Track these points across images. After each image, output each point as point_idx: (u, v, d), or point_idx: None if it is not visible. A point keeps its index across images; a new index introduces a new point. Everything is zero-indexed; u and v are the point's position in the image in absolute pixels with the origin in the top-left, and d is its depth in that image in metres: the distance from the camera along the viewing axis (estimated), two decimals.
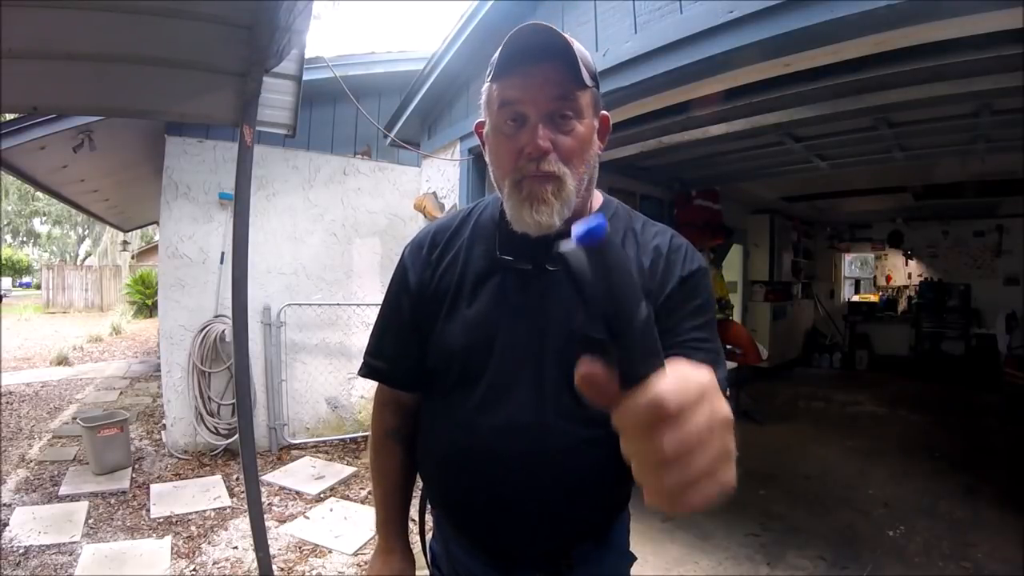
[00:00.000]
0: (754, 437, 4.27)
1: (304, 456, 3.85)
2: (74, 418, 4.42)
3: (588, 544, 0.83)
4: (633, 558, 0.92)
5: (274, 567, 2.24)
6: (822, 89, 2.18)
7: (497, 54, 0.71)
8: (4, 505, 2.93)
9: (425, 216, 3.53)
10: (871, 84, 2.16)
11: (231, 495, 3.14)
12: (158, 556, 2.48)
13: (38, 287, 19.82)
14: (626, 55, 2.01)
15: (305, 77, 1.96)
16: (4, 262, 24.14)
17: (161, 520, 2.83)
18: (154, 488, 3.20)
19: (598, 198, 0.85)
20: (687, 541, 2.68)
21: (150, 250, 16.80)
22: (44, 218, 24.59)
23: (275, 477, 3.45)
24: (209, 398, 3.71)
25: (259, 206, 3.76)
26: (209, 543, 2.64)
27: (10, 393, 5.48)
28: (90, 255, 23.09)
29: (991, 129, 3.13)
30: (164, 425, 3.93)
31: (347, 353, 4.20)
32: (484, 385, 0.78)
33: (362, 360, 0.92)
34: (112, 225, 10.18)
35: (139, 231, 14.57)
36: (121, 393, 5.65)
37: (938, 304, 7.28)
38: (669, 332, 0.72)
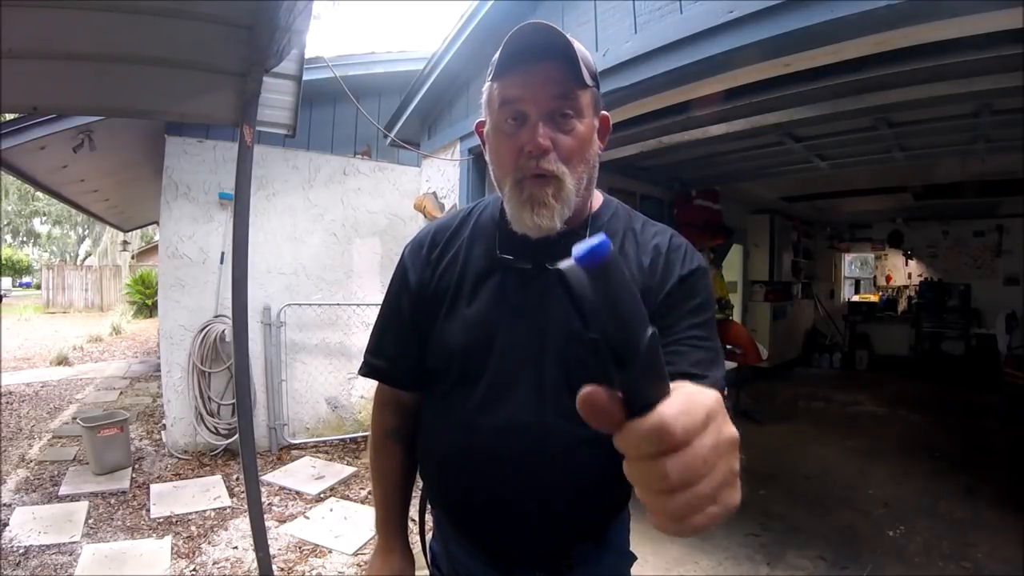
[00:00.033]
0: (754, 437, 4.27)
1: (304, 456, 3.85)
2: (74, 418, 4.42)
3: (588, 544, 0.82)
4: (633, 558, 0.92)
5: (274, 567, 2.24)
6: (822, 89, 2.18)
7: (498, 53, 0.71)
8: (4, 505, 2.93)
9: (425, 216, 3.53)
10: (871, 84, 2.16)
11: (231, 495, 3.14)
12: (158, 556, 2.48)
13: (38, 287, 19.83)
14: (626, 55, 2.01)
15: (305, 77, 1.96)
16: (4, 262, 24.14)
17: (161, 520, 2.83)
18: (154, 488, 3.20)
19: (598, 198, 0.85)
20: (687, 541, 2.68)
21: (150, 250, 16.80)
22: (44, 218, 24.60)
23: (275, 477, 3.45)
24: (209, 398, 3.71)
25: (259, 206, 3.76)
26: (209, 543, 2.64)
27: (10, 393, 5.48)
28: (90, 255, 23.09)
29: (991, 129, 3.13)
30: (164, 425, 3.93)
31: (347, 353, 4.20)
32: (484, 385, 0.78)
33: (362, 359, 0.92)
34: (112, 225, 10.18)
35: (139, 231, 14.58)
36: (121, 393, 5.65)
37: (938, 304, 7.28)
38: (668, 330, 0.72)
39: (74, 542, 2.57)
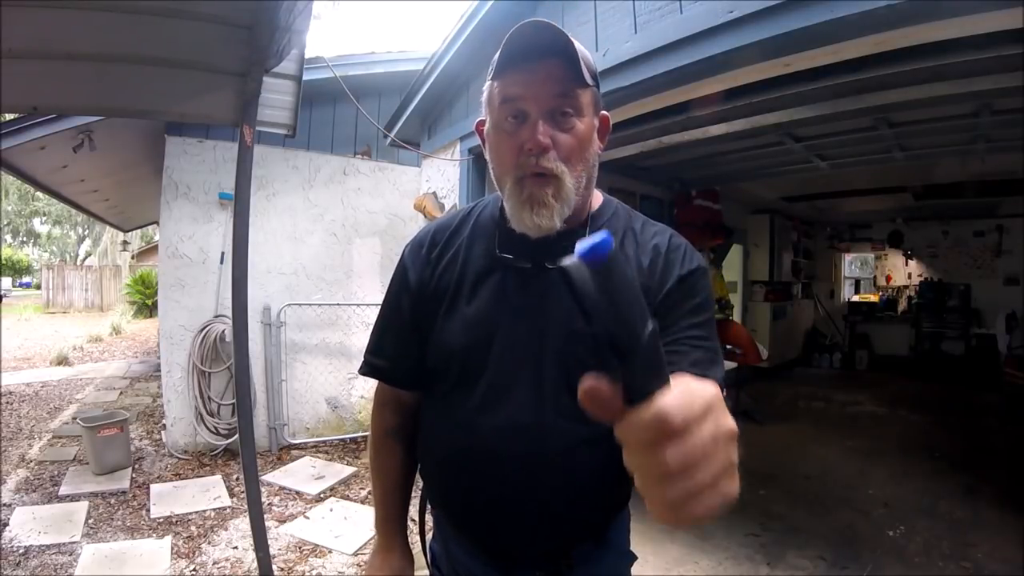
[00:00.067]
0: (754, 437, 4.27)
1: (304, 456, 3.85)
2: (74, 418, 4.42)
3: (588, 544, 0.82)
4: (633, 558, 0.92)
5: (274, 567, 2.25)
6: (822, 89, 2.18)
7: (498, 51, 0.71)
8: (4, 505, 2.93)
9: (425, 216, 3.53)
10: (871, 84, 2.16)
11: (231, 495, 3.14)
12: (158, 556, 2.48)
13: (38, 287, 19.83)
14: (626, 55, 2.01)
15: (305, 77, 1.96)
16: (4, 262, 24.15)
17: (161, 520, 2.83)
18: (154, 488, 3.20)
19: (598, 198, 0.85)
20: (687, 541, 2.68)
21: (150, 250, 16.80)
22: (44, 218, 24.60)
23: (275, 477, 3.45)
24: (209, 398, 3.71)
25: (259, 206, 3.76)
26: (209, 543, 2.64)
27: (10, 393, 5.48)
28: (90, 255, 23.09)
29: (991, 129, 3.13)
30: (164, 425, 3.93)
31: (347, 353, 4.20)
32: (484, 385, 0.78)
33: (363, 359, 0.92)
34: (112, 225, 10.18)
35: (139, 231, 14.58)
36: (121, 393, 5.65)
37: (938, 304, 7.28)
38: (667, 331, 0.72)
39: (74, 542, 2.57)
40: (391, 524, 0.95)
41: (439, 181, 3.52)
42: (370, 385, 0.93)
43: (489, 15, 2.62)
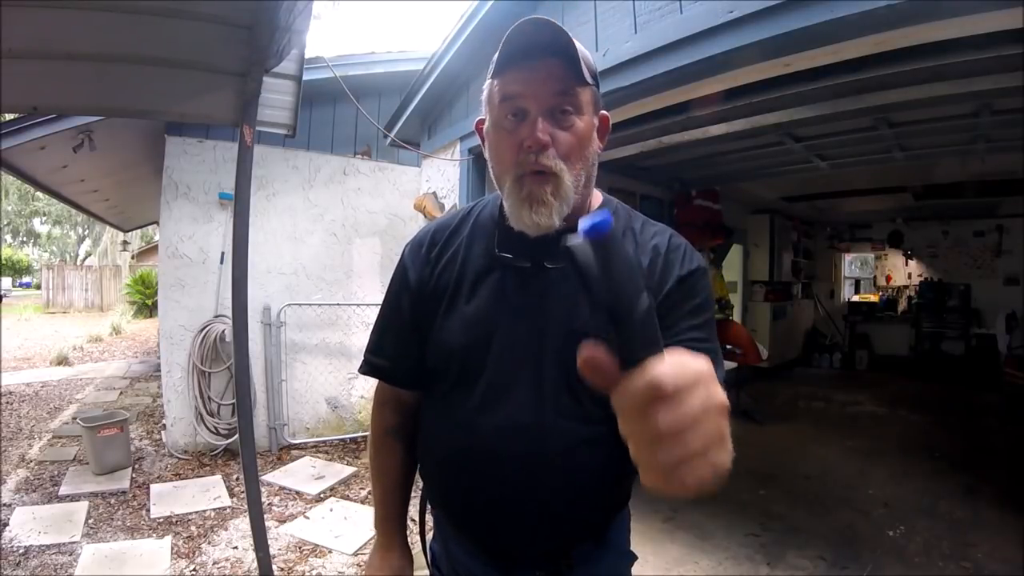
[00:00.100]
0: (754, 437, 4.27)
1: (304, 456, 3.85)
2: (74, 418, 4.42)
3: (588, 544, 0.82)
4: (633, 557, 0.92)
5: (274, 567, 2.25)
6: (822, 89, 2.18)
7: (498, 50, 0.71)
8: (4, 505, 2.93)
9: (425, 216, 3.53)
10: (871, 84, 2.16)
11: (231, 495, 3.14)
12: (158, 556, 2.48)
13: (38, 287, 19.83)
14: (626, 55, 2.01)
15: (305, 77, 1.96)
16: (4, 262, 24.15)
17: (161, 520, 2.83)
18: (154, 488, 3.20)
19: (597, 197, 0.85)
20: (687, 541, 2.68)
21: (150, 250, 16.80)
22: (44, 218, 24.60)
23: (275, 477, 3.45)
24: (209, 398, 3.71)
25: (259, 206, 3.76)
26: (209, 543, 2.64)
27: (10, 393, 5.48)
28: (90, 255, 23.09)
29: (991, 129, 3.13)
30: (164, 425, 3.93)
31: (347, 353, 4.20)
32: (483, 384, 0.78)
33: (363, 358, 0.92)
34: (112, 225, 10.18)
35: (139, 231, 14.58)
36: (121, 393, 5.65)
37: (938, 304, 7.28)
38: (667, 331, 0.72)
39: (74, 542, 2.57)
40: (391, 523, 0.95)
41: (439, 181, 3.52)
42: (370, 385, 0.93)
43: (489, 15, 2.62)
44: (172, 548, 2.56)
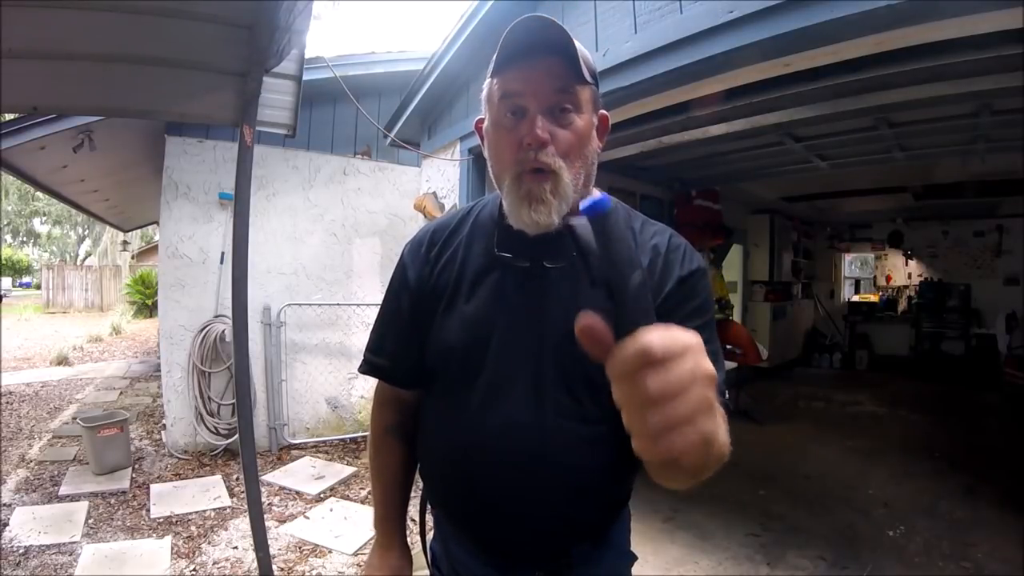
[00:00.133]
0: (754, 437, 4.27)
1: (304, 456, 3.85)
2: (74, 418, 4.42)
3: (587, 543, 0.82)
4: (633, 558, 0.92)
5: (274, 567, 2.25)
6: (822, 89, 2.18)
7: (498, 48, 0.71)
8: (4, 505, 2.93)
9: (425, 216, 3.53)
10: (871, 84, 2.16)
11: (231, 495, 3.14)
12: (158, 556, 2.48)
13: (38, 287, 19.82)
14: (626, 55, 2.01)
15: (305, 77, 1.96)
16: (4, 262, 24.14)
17: (161, 520, 2.83)
18: (154, 488, 3.20)
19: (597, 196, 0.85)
20: (687, 541, 2.68)
21: (150, 250, 16.80)
22: (44, 218, 24.60)
23: (275, 477, 3.45)
24: (209, 398, 3.71)
25: (259, 206, 3.76)
26: (209, 543, 2.64)
27: (10, 393, 5.48)
28: (90, 255, 23.10)
29: (991, 129, 3.13)
30: (164, 425, 3.93)
31: (347, 353, 4.20)
32: (483, 384, 0.78)
33: (363, 357, 0.92)
34: (112, 225, 10.18)
35: (139, 231, 14.58)
36: (121, 393, 5.65)
37: (938, 304, 7.28)
38: None
39: (74, 542, 2.57)
40: (390, 523, 0.95)
41: (439, 181, 3.52)
42: (370, 385, 0.93)
43: (489, 15, 2.62)
44: (172, 548, 2.56)
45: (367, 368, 0.91)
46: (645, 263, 0.78)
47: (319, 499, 3.17)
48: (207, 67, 1.73)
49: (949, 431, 4.52)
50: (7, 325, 10.59)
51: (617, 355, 0.37)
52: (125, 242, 14.56)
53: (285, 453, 3.91)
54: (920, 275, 7.98)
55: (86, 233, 25.35)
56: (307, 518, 2.93)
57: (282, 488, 3.30)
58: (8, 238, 24.75)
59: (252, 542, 1.95)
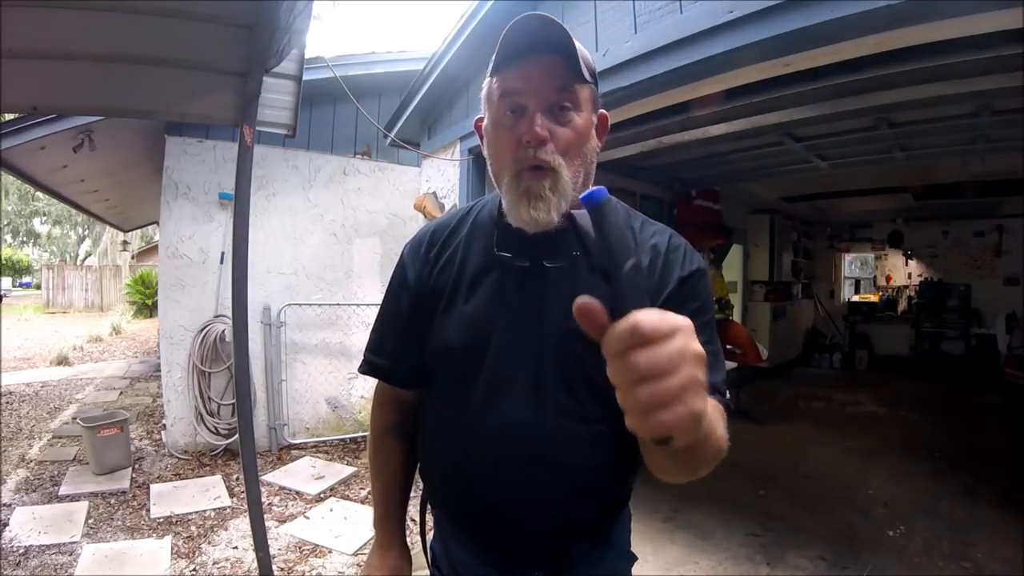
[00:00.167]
0: (754, 437, 4.27)
1: (304, 456, 3.85)
2: (74, 418, 4.42)
3: (587, 543, 0.82)
4: (633, 558, 0.92)
5: (274, 567, 2.25)
6: (822, 89, 2.18)
7: (497, 46, 0.71)
8: (4, 505, 2.93)
9: (425, 216, 3.53)
10: (871, 84, 2.16)
11: (231, 495, 3.14)
12: (158, 556, 2.48)
13: (38, 287, 19.82)
14: (626, 55, 2.00)
15: (305, 77, 1.96)
16: (4, 262, 24.14)
17: (161, 520, 2.83)
18: (154, 488, 3.20)
19: None
20: (687, 541, 2.68)
21: (150, 250, 16.80)
22: (44, 218, 24.59)
23: (275, 477, 3.45)
24: (209, 398, 3.71)
25: (259, 206, 3.76)
26: (209, 543, 2.64)
27: (10, 393, 5.48)
28: (90, 255, 23.10)
29: (991, 129, 3.13)
30: (164, 425, 3.93)
31: (347, 353, 4.20)
32: (482, 383, 0.78)
33: (363, 357, 0.92)
34: (112, 225, 10.18)
35: (139, 231, 14.58)
36: (121, 393, 5.65)
37: (938, 304, 7.28)
38: None
39: (74, 542, 2.57)
40: (389, 522, 0.95)
41: (439, 181, 3.52)
42: (370, 385, 0.93)
43: (489, 15, 2.62)
44: (172, 548, 2.56)
45: (367, 368, 0.91)
46: (645, 263, 0.78)
47: (319, 499, 3.17)
48: (207, 67, 1.73)
49: (949, 431, 4.51)
50: (7, 325, 10.59)
51: (610, 334, 0.40)
52: (125, 242, 14.56)
53: (285, 453, 3.91)
54: (920, 275, 7.98)
55: (86, 233, 25.35)
56: (307, 518, 2.93)
57: (282, 488, 3.30)
58: (8, 238, 24.75)
59: (252, 542, 1.95)
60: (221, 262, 3.78)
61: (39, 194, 16.04)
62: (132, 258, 16.85)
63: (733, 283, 6.47)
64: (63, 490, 3.13)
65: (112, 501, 3.04)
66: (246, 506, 1.98)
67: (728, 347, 4.71)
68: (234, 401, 3.42)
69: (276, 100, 1.96)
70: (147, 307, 13.00)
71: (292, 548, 2.62)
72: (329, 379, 4.17)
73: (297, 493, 3.24)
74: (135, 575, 2.34)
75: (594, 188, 0.43)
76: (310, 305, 4.08)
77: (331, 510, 3.02)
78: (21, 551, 2.47)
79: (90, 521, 2.79)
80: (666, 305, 0.75)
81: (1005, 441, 4.24)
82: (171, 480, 3.36)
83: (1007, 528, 2.76)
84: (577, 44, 0.70)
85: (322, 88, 3.79)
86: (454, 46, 2.92)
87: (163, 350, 3.83)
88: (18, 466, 3.54)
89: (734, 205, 5.87)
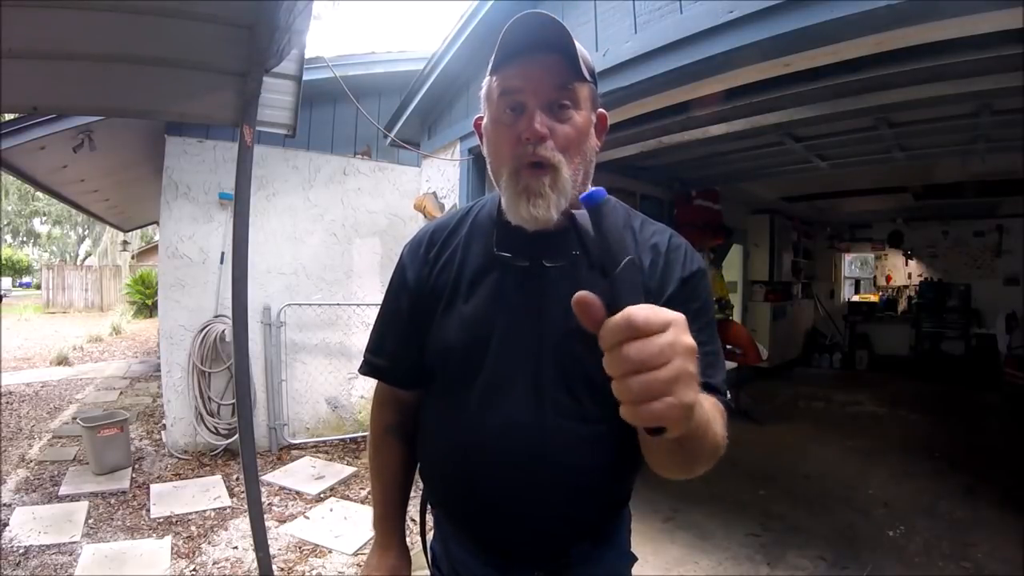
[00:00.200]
0: (754, 437, 4.26)
1: (304, 456, 3.85)
2: (74, 418, 4.42)
3: (587, 543, 0.82)
4: (633, 558, 0.92)
5: (274, 567, 2.25)
6: (822, 89, 2.18)
7: (497, 45, 0.71)
8: (4, 505, 2.93)
9: (425, 216, 3.53)
10: (871, 84, 2.16)
11: (231, 495, 3.14)
12: (158, 556, 2.48)
13: (38, 287, 19.82)
14: (626, 55, 2.00)
15: (305, 77, 1.96)
16: (4, 262, 24.14)
17: (161, 520, 2.83)
18: (154, 488, 3.20)
19: None
20: (687, 541, 2.68)
21: (150, 250, 16.81)
22: (44, 218, 24.60)
23: (275, 477, 3.45)
24: (209, 398, 3.71)
25: (259, 206, 3.76)
26: (209, 543, 2.64)
27: (10, 393, 5.48)
28: (90, 255, 23.10)
29: (991, 129, 3.13)
30: (164, 425, 3.93)
31: (347, 353, 4.20)
32: (482, 384, 0.78)
33: (362, 358, 0.92)
34: (112, 225, 10.18)
35: (139, 231, 14.58)
36: (121, 393, 5.65)
37: (938, 304, 7.28)
38: None
39: (74, 542, 2.57)
40: (389, 522, 0.95)
41: (439, 181, 3.52)
42: (370, 385, 0.93)
43: (489, 15, 2.62)
44: (172, 548, 2.56)
45: (367, 368, 0.91)
46: (646, 263, 0.78)
47: (319, 499, 3.17)
48: (207, 67, 1.73)
49: (949, 431, 4.51)
50: (7, 325, 10.59)
51: (606, 327, 0.42)
52: (125, 242, 14.56)
53: (285, 453, 3.91)
54: (920, 275, 7.98)
55: (86, 233, 25.36)
56: (307, 518, 2.93)
57: (282, 488, 3.30)
58: (8, 238, 24.75)
59: (252, 542, 1.95)
60: (221, 262, 3.78)
61: (39, 194, 16.04)
62: (132, 258, 16.85)
63: (733, 283, 6.47)
64: (63, 490, 3.13)
65: (112, 501, 3.04)
66: (246, 506, 1.98)
67: (728, 347, 4.71)
68: (234, 401, 3.42)
69: (276, 100, 1.96)
70: (147, 307, 13.00)
71: (292, 548, 2.62)
72: (329, 379, 4.17)
73: (297, 493, 3.24)
74: (135, 575, 2.34)
75: (594, 188, 0.45)
76: (310, 305, 4.08)
77: (331, 510, 3.02)
78: (21, 551, 2.47)
79: (90, 521, 2.79)
80: (668, 306, 0.75)
81: (1005, 441, 4.24)
82: (171, 480, 3.36)
83: (1007, 528, 2.76)
84: (576, 43, 0.70)
85: (322, 88, 3.79)
86: (454, 46, 2.92)
87: (163, 350, 3.83)
88: (18, 466, 3.54)
89: (734, 205, 5.87)
